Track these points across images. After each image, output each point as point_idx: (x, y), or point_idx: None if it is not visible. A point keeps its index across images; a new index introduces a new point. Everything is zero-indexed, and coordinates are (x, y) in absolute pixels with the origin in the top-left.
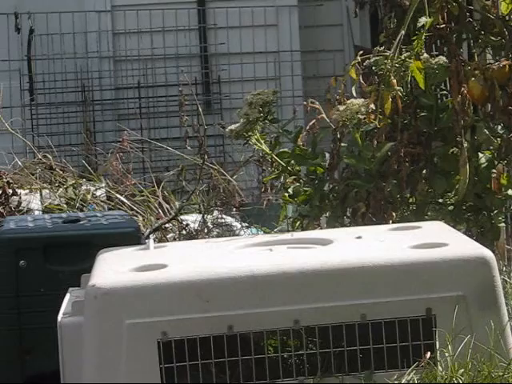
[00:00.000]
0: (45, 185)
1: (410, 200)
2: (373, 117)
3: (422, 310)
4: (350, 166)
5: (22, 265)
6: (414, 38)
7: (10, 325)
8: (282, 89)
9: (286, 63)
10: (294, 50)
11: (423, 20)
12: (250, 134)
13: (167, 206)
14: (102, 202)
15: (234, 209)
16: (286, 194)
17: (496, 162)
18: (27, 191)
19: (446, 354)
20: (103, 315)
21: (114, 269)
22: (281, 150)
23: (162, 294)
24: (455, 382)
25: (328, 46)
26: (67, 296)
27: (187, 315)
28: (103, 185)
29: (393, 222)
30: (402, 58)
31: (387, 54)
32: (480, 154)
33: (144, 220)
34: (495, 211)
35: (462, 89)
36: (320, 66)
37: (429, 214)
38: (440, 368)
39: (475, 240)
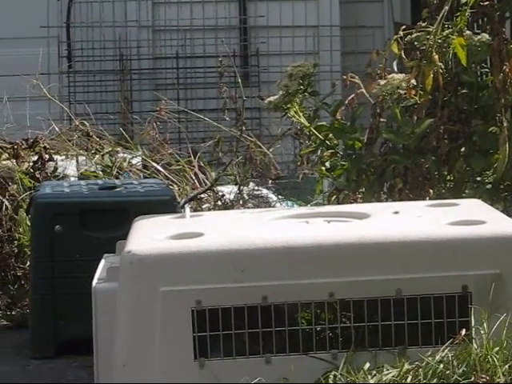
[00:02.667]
0: (81, 151)
1: (448, 177)
2: (413, 92)
3: (459, 286)
4: (389, 142)
5: (58, 230)
6: (458, 14)
7: (44, 290)
8: (321, 64)
9: (325, 38)
10: (333, 25)
11: None
12: (288, 106)
13: (203, 176)
14: (137, 170)
15: (270, 181)
16: (323, 168)
17: None
18: (63, 157)
19: (482, 332)
20: (138, 282)
21: (149, 236)
22: (319, 124)
23: (197, 262)
24: (490, 359)
25: (368, 22)
26: (102, 262)
27: (222, 284)
28: (139, 153)
29: (430, 199)
30: (445, 34)
31: (430, 29)
32: None
33: (179, 189)
34: None
35: (504, 67)
36: (359, 42)
37: (466, 191)
38: (475, 345)
39: None
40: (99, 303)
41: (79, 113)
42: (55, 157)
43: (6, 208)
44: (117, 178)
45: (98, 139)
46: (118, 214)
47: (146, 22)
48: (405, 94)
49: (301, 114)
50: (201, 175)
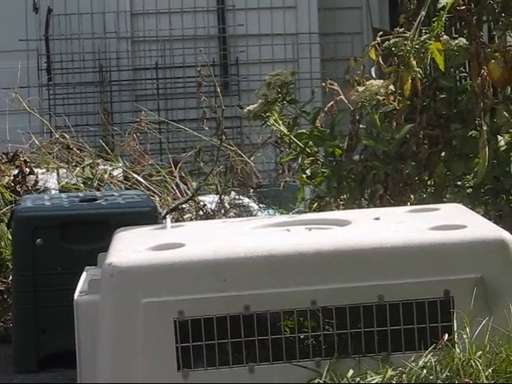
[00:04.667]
0: (62, 164)
1: (429, 182)
2: (392, 98)
3: (440, 291)
4: (369, 148)
5: (39, 243)
6: (434, 19)
7: (27, 303)
8: (300, 71)
9: (304, 45)
10: (312, 33)
11: (444, 1)
12: (267, 114)
13: (184, 186)
14: (119, 181)
15: (252, 190)
16: (304, 176)
17: None
18: (44, 170)
19: (464, 336)
20: (119, 294)
21: (130, 247)
22: (299, 132)
23: (179, 272)
24: (473, 364)
25: (346, 29)
26: (83, 275)
27: (204, 294)
28: (120, 165)
29: (411, 205)
30: (422, 39)
31: (407, 35)
32: (499, 137)
33: (161, 200)
34: None
35: (482, 71)
36: (338, 49)
37: (447, 196)
38: (458, 350)
39: (493, 223)
40: (81, 316)
41: (59, 125)
42: (36, 170)
43: None
44: (98, 190)
45: (78, 151)
46: (99, 226)
47: (125, 33)
48: (383, 100)
49: (280, 123)
50: (182, 185)
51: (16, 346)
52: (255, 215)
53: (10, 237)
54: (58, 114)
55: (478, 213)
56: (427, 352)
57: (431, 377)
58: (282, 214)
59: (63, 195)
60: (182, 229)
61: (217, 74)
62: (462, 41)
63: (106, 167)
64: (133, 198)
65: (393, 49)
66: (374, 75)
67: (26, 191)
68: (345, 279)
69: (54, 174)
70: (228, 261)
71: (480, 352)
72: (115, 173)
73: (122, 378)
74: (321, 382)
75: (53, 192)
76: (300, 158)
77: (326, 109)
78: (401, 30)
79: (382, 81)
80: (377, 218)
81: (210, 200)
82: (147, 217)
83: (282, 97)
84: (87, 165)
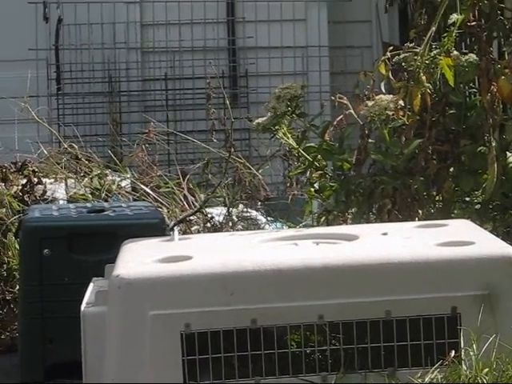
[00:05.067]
0: (70, 174)
1: (437, 198)
2: (401, 113)
3: (447, 308)
4: (377, 162)
5: (46, 253)
6: (445, 34)
7: (33, 314)
8: (310, 84)
9: (313, 58)
10: (322, 46)
11: (454, 17)
12: (276, 127)
13: (192, 198)
14: (127, 192)
15: (259, 203)
16: (312, 189)
17: None
18: (52, 180)
19: (471, 353)
20: (126, 306)
21: (138, 259)
22: (307, 145)
23: (186, 285)
24: (479, 381)
25: (356, 42)
26: (91, 286)
27: (211, 307)
28: (128, 175)
29: (419, 220)
30: (432, 54)
31: (417, 50)
32: (508, 154)
33: (169, 212)
34: None
35: (492, 87)
36: (348, 62)
37: (455, 212)
38: (464, 367)
39: (501, 239)
40: (88, 327)
41: (68, 135)
42: (44, 180)
43: None
44: (106, 200)
45: (86, 162)
46: (106, 238)
47: (135, 43)
48: (393, 114)
49: (289, 136)
50: (190, 197)
51: (22, 356)
52: (263, 228)
53: (17, 247)
54: (67, 123)
55: (486, 229)
56: (434, 368)
57: None
58: (289, 227)
59: (71, 205)
60: (189, 241)
61: (226, 85)
62: (472, 57)
63: (114, 178)
64: (141, 209)
65: (403, 64)
66: (383, 90)
67: (34, 201)
68: (352, 294)
69: (62, 184)
70: (235, 274)
71: (487, 369)
72: (123, 184)
73: None
74: None
75: (61, 202)
76: (308, 172)
77: (335, 123)
78: (411, 44)
79: (391, 96)
80: (385, 233)
81: (217, 212)
82: (155, 228)
83: (291, 110)
84: (95, 175)
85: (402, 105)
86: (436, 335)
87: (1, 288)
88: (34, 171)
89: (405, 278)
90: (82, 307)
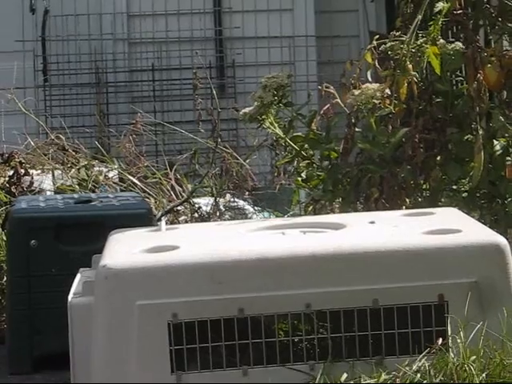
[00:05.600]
0: (57, 165)
1: (424, 186)
2: (388, 102)
3: (435, 296)
4: (364, 151)
5: (33, 245)
6: (431, 23)
7: (21, 305)
8: (297, 74)
9: (300, 48)
10: (309, 35)
11: (440, 5)
12: (263, 117)
13: (179, 188)
14: (114, 183)
15: (247, 192)
16: (299, 179)
17: (511, 150)
18: (39, 171)
19: (458, 341)
20: (114, 296)
21: (125, 250)
22: (294, 134)
23: (173, 275)
24: (467, 368)
25: (343, 32)
26: (78, 276)
27: (198, 297)
28: (116, 166)
29: (406, 209)
30: (418, 43)
31: (403, 38)
32: (495, 142)
33: (156, 202)
34: (509, 199)
35: (478, 75)
36: (335, 52)
37: (442, 200)
38: (452, 354)
39: (489, 227)
40: (75, 318)
41: (55, 127)
42: (31, 171)
43: None
44: (93, 191)
45: (73, 153)
46: (93, 228)
47: (122, 34)
48: (379, 103)
49: (276, 125)
50: (177, 187)
51: (10, 348)
52: (250, 218)
53: (4, 238)
54: (54, 115)
55: (473, 217)
56: (421, 356)
57: (425, 381)
58: (277, 216)
59: (58, 196)
60: (176, 231)
61: (213, 76)
62: (459, 45)
63: (101, 169)
64: (128, 199)
65: (389, 52)
66: (370, 79)
67: (21, 192)
68: (339, 283)
69: (50, 176)
70: (223, 263)
71: (474, 357)
72: (110, 174)
73: (116, 380)
74: None
75: (48, 193)
76: (295, 161)
77: (321, 112)
78: (397, 33)
79: (378, 84)
80: (372, 222)
81: (205, 202)
82: (142, 219)
83: (277, 99)
84: (82, 166)
85: (389, 93)
86: (423, 323)
87: None
88: (20, 162)
89: (392, 266)
90: (69, 298)
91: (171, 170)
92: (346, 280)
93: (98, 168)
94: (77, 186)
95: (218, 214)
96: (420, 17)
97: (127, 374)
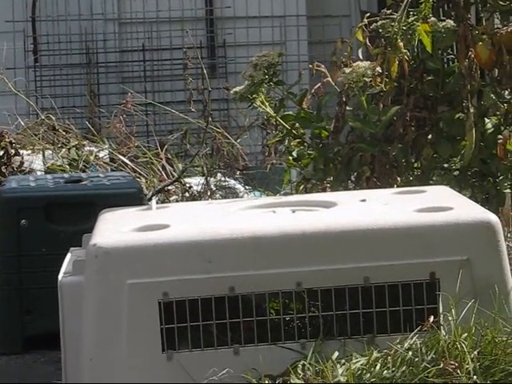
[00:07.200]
0: (47, 145)
1: (415, 165)
2: (379, 80)
3: (426, 273)
4: (355, 130)
5: (24, 224)
6: (422, 1)
7: (11, 285)
8: (288, 53)
9: (291, 28)
10: (300, 15)
11: None
12: (254, 96)
13: (170, 168)
14: (104, 163)
15: (238, 172)
16: (290, 158)
17: (502, 128)
18: (30, 152)
19: (450, 319)
20: (104, 275)
21: (115, 228)
22: (285, 113)
23: (164, 254)
24: (458, 346)
25: (334, 11)
26: (68, 256)
27: (189, 276)
28: (106, 146)
29: (397, 187)
30: (410, 21)
31: (394, 16)
32: (486, 120)
33: (147, 182)
34: (500, 177)
35: (470, 53)
36: (326, 32)
37: (434, 178)
38: (443, 332)
39: (480, 205)
40: (65, 297)
41: (46, 107)
42: (21, 151)
43: None
44: (83, 171)
45: (64, 133)
46: (84, 208)
47: (112, 14)
48: (370, 81)
49: (267, 104)
50: (168, 167)
51: (0, 328)
52: (241, 197)
53: None
54: (45, 95)
55: (464, 195)
56: (413, 334)
57: (416, 359)
58: (268, 196)
59: (48, 176)
60: (167, 210)
61: (204, 56)
62: (450, 23)
63: (91, 149)
64: (118, 179)
65: (380, 30)
66: (361, 57)
67: (12, 172)
68: (330, 261)
69: (40, 156)
70: (213, 242)
71: (465, 334)
72: (101, 154)
73: (106, 359)
74: (306, 363)
75: (38, 173)
76: (286, 140)
77: (312, 91)
78: (388, 11)
79: (369, 62)
80: (363, 200)
81: (196, 182)
82: (132, 198)
83: (268, 78)
84: (73, 146)
85: (380, 71)
86: (415, 301)
87: None
88: (11, 142)
89: (383, 244)
90: (60, 277)
91: (162, 150)
92: (337, 258)
93: (88, 148)
94: (67, 166)
95: (208, 193)
96: None
97: (118, 352)
